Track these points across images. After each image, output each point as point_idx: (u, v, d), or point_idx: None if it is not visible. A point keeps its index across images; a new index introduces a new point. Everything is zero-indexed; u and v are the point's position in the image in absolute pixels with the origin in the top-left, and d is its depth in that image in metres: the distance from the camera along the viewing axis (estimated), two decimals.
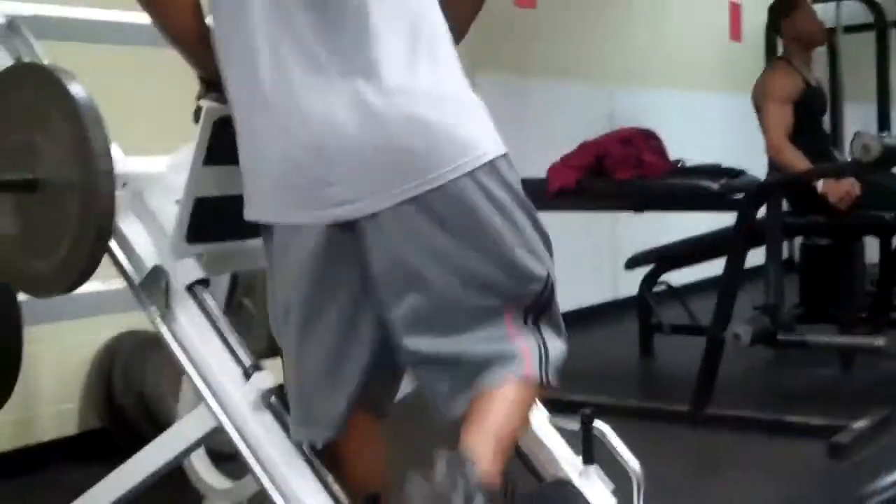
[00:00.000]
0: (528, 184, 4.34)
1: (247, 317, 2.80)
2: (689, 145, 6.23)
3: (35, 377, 3.27)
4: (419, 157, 1.63)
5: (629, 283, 5.13)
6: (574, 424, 2.16)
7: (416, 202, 1.62)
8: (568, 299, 6.22)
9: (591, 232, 5.75)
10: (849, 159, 3.56)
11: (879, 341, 3.68)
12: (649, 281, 4.89)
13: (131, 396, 3.39)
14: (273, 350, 2.77)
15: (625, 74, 6.59)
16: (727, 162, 5.15)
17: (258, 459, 1.81)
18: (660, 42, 7.05)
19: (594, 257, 5.98)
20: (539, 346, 1.72)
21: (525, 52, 5.80)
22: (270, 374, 1.87)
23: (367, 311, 1.70)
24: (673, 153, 4.29)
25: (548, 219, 5.14)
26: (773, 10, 4.99)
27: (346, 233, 1.66)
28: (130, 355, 3.43)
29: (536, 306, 1.74)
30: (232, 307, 2.79)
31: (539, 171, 4.09)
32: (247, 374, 1.86)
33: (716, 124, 7.12)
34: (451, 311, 1.66)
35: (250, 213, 1.78)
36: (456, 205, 1.64)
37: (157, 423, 3.20)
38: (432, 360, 1.69)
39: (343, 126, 1.64)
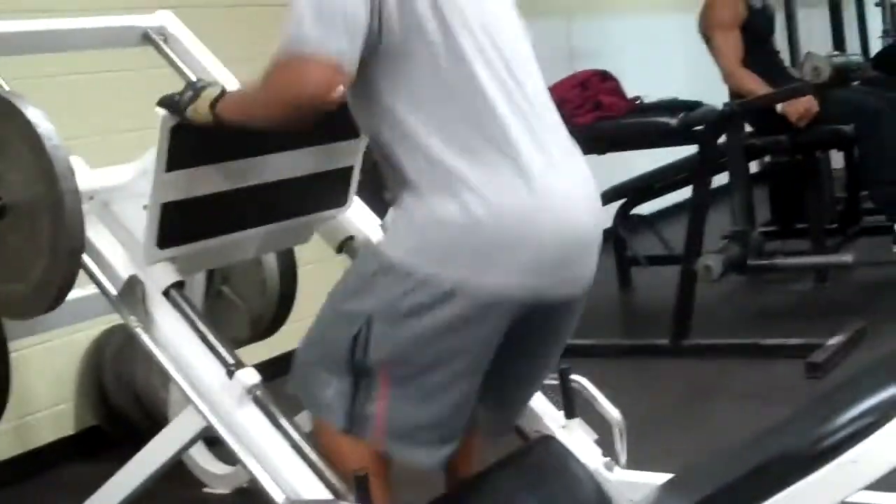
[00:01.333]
0: None
1: (226, 304, 2.85)
2: (648, 71, 6.28)
3: (27, 382, 3.30)
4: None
5: (607, 217, 5.17)
6: (553, 380, 2.25)
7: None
8: None
9: None
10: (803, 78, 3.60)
11: (847, 257, 3.76)
12: (622, 215, 4.94)
13: (123, 391, 3.43)
14: (254, 336, 2.84)
15: (579, 5, 6.58)
16: (688, 85, 5.20)
17: (250, 452, 1.87)
18: None
19: None
20: None
21: None
22: (252, 370, 1.92)
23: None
24: (632, 81, 4.32)
25: None
26: None
27: (541, 306, 1.84)
28: (119, 350, 3.46)
29: None
30: (211, 295, 2.85)
31: None
32: (230, 373, 1.91)
33: (675, 44, 7.12)
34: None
35: (488, 279, 1.76)
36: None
37: (151, 415, 3.25)
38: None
39: (587, 210, 1.86)
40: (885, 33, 8.13)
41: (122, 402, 3.46)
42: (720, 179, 4.12)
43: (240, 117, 1.86)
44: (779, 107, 4.25)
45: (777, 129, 4.42)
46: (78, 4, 2.98)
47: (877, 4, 8.41)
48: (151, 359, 1.97)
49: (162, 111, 1.94)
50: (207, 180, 2.04)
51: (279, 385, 1.98)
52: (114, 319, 3.43)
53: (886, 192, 4.33)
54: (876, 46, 7.89)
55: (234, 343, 2.70)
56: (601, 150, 4.22)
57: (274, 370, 2.12)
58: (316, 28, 1.69)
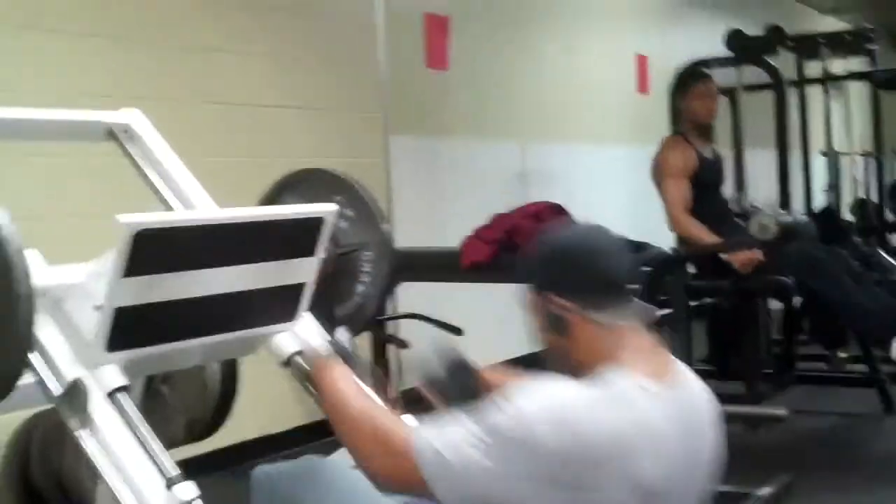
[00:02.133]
0: (444, 256, 4.49)
1: (164, 404, 2.83)
2: (597, 198, 6.42)
3: None
4: None
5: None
6: None
7: None
8: (489, 356, 6.34)
9: (511, 293, 5.83)
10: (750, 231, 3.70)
11: (781, 411, 3.81)
12: None
13: (48, 479, 3.36)
14: (191, 437, 2.82)
15: (536, 130, 6.74)
16: (634, 215, 5.31)
17: None
18: (569, 96, 7.22)
19: (514, 316, 6.03)
20: None
21: (439, 113, 5.91)
22: (192, 485, 1.90)
23: None
24: (582, 207, 4.40)
25: (469, 286, 5.23)
26: (675, 82, 5.23)
27: None
28: (48, 436, 3.40)
29: None
30: (149, 394, 2.82)
31: (457, 232, 4.19)
32: (169, 485, 1.90)
33: (623, 175, 7.29)
34: None
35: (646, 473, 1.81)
36: None
37: None
38: None
39: None
40: (830, 187, 8.36)
41: (47, 490, 3.39)
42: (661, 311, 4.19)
43: (331, 413, 2.10)
44: (724, 255, 4.37)
45: (719, 273, 4.53)
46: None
47: (822, 153, 8.67)
48: (84, 457, 1.95)
49: (125, 217, 1.95)
50: (162, 288, 2.05)
51: (204, 485, 1.97)
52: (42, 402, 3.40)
53: (868, 327, 4.45)
54: (819, 199, 8.12)
55: (169, 444, 2.70)
56: None
57: (198, 468, 2.12)
58: (436, 458, 1.85)
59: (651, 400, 1.80)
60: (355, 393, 2.12)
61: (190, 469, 2.15)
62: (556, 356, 1.98)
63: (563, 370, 1.92)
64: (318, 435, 2.47)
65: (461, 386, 2.36)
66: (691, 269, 4.67)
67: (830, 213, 6.61)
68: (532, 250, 2.03)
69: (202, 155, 2.86)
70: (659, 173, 4.82)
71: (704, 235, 4.46)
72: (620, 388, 1.80)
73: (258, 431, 4.51)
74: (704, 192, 4.76)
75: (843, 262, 4.61)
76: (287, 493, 2.32)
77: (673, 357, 1.96)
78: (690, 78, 5.08)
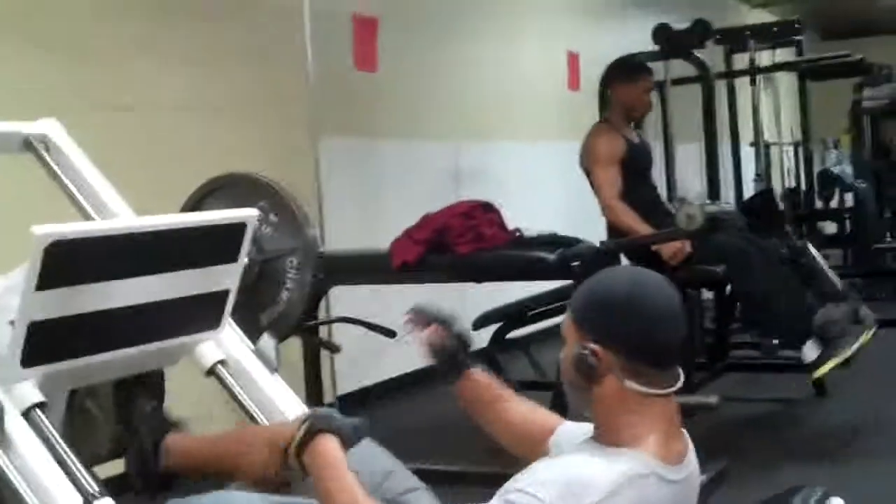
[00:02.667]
0: (373, 258, 4.45)
1: (89, 419, 2.78)
2: (531, 196, 6.44)
3: None
4: None
5: (482, 340, 5.23)
6: None
7: None
8: (422, 358, 6.24)
9: (444, 293, 5.82)
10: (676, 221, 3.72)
11: (713, 399, 3.85)
12: (497, 339, 4.99)
13: None
14: (116, 452, 2.77)
15: (467, 130, 6.74)
16: (567, 212, 5.33)
17: None
18: (500, 95, 7.23)
19: None
20: None
21: (369, 115, 5.89)
22: (111, 501, 1.87)
23: None
24: (515, 206, 4.42)
25: (397, 287, 5.24)
26: (606, 73, 5.26)
27: None
28: None
29: None
30: (74, 410, 2.78)
31: (390, 234, 4.17)
32: (87, 503, 1.86)
33: (556, 171, 7.31)
34: None
35: None
36: None
37: None
38: None
39: None
40: (758, 177, 8.48)
41: None
42: None
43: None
44: (654, 245, 4.40)
45: (651, 264, 4.55)
46: None
47: (751, 145, 8.79)
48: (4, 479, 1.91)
49: (38, 228, 1.91)
50: (78, 300, 2.01)
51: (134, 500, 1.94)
52: None
53: (782, 327, 4.48)
54: (749, 189, 8.23)
55: (94, 459, 2.65)
56: (479, 280, 4.31)
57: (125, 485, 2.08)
58: None
59: (666, 489, 1.71)
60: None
61: (119, 485, 2.12)
62: (575, 395, 1.81)
63: (579, 406, 1.80)
64: None
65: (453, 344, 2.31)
66: (624, 261, 4.71)
67: (766, 197, 6.67)
68: (594, 284, 1.82)
69: (122, 164, 2.80)
70: (588, 160, 4.85)
71: (636, 224, 4.50)
72: (638, 476, 1.68)
73: None
74: (634, 179, 4.80)
75: (771, 254, 4.66)
76: None
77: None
78: (635, 70, 5.10)
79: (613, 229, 4.76)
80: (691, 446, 1.83)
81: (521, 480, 1.68)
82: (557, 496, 1.61)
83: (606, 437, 1.75)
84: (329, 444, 1.93)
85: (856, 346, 4.24)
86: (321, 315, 4.46)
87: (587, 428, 1.83)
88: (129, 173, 2.75)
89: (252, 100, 4.99)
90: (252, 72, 5.00)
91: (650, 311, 1.73)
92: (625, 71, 5.14)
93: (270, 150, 4.75)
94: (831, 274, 4.88)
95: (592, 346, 1.72)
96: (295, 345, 4.22)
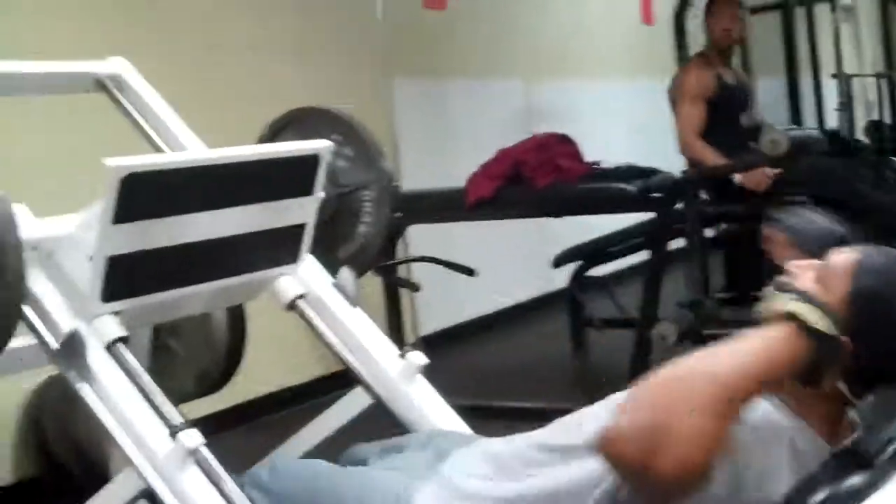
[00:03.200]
0: (448, 196, 4.41)
1: (172, 358, 2.79)
2: (605, 133, 6.33)
3: None
4: None
5: (563, 278, 5.17)
6: None
7: None
8: (503, 296, 6.28)
9: (522, 230, 5.79)
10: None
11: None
12: (578, 277, 4.92)
13: (64, 443, 3.34)
14: (200, 391, 2.78)
15: (539, 67, 6.63)
16: (642, 149, 5.22)
17: None
18: (571, 31, 7.10)
19: (526, 255, 6.02)
20: None
21: (439, 54, 5.81)
22: (196, 432, 1.86)
23: None
24: (591, 145, 4.33)
25: (475, 224, 5.18)
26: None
27: None
28: (61, 400, 3.37)
29: None
30: (157, 348, 2.79)
31: (464, 172, 4.12)
32: (173, 433, 1.85)
33: (631, 109, 7.19)
34: None
35: None
36: None
37: (93, 469, 3.16)
38: None
39: None
40: (842, 105, 8.26)
41: (63, 454, 3.36)
42: (677, 243, 4.12)
43: None
44: (737, 178, 4.27)
45: (733, 199, 4.44)
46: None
47: (833, 76, 8.55)
48: (92, 414, 1.91)
49: (112, 161, 1.89)
50: (155, 234, 2.00)
51: (224, 439, 1.93)
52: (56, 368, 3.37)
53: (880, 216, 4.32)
54: (832, 118, 8.01)
55: (180, 397, 2.66)
56: (558, 213, 4.24)
57: (219, 424, 2.07)
58: None
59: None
60: None
61: (210, 424, 2.12)
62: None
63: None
64: (337, 386, 2.42)
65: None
66: (705, 196, 4.60)
67: (840, 134, 6.49)
68: (886, 280, 1.56)
69: (194, 105, 2.78)
70: (676, 94, 4.71)
71: (714, 159, 4.37)
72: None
73: (277, 385, 4.48)
74: (722, 120, 4.63)
75: (855, 170, 4.50)
76: None
77: None
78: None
79: (692, 166, 4.63)
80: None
81: None
82: None
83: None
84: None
85: None
86: (399, 255, 4.43)
87: None
88: (201, 114, 2.72)
89: (322, 41, 4.94)
90: (322, 12, 4.95)
91: None
92: (708, 1, 4.96)
93: (343, 92, 4.70)
94: None
95: (844, 337, 1.49)
96: (375, 285, 4.21)
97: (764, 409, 1.56)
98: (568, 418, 1.79)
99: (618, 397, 1.69)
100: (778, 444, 1.55)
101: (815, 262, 1.62)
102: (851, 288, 1.55)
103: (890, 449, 1.54)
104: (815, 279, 1.58)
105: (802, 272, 1.60)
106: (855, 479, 1.50)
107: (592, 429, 1.54)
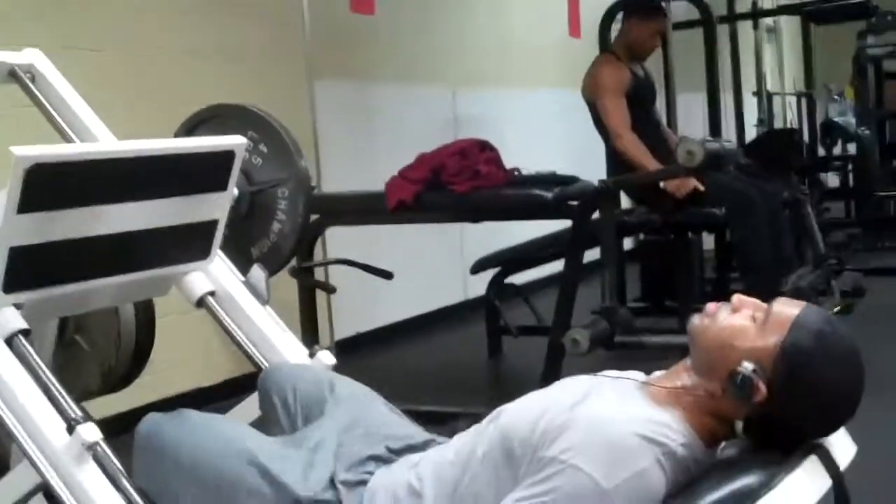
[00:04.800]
0: (369, 199, 4.42)
1: (78, 353, 2.74)
2: (527, 142, 6.37)
3: None
4: None
5: (480, 284, 5.20)
6: None
7: None
8: (421, 301, 6.29)
9: (440, 235, 5.80)
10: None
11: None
12: (495, 284, 4.95)
13: None
14: (105, 388, 2.74)
15: (465, 75, 6.65)
16: (565, 157, 5.27)
17: None
18: (500, 40, 7.13)
19: (444, 260, 6.03)
20: None
21: (365, 58, 5.80)
22: (94, 426, 1.83)
23: None
24: (512, 153, 4.36)
25: (394, 229, 5.20)
26: (625, 5, 5.16)
27: None
28: None
29: None
30: (62, 343, 2.74)
31: (386, 178, 4.12)
32: (70, 427, 1.82)
33: (555, 119, 7.24)
34: None
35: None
36: None
37: None
38: None
39: None
40: (760, 122, 8.42)
41: None
42: (595, 253, 4.16)
43: None
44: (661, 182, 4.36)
45: (654, 200, 4.50)
46: None
47: (753, 94, 8.71)
48: None
49: (18, 149, 1.86)
50: (61, 226, 1.96)
51: (128, 441, 1.90)
52: None
53: (755, 278, 4.42)
54: (752, 134, 8.16)
55: (84, 395, 2.62)
56: (476, 219, 4.26)
57: (124, 424, 2.01)
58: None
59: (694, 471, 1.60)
60: None
61: (120, 424, 2.08)
62: (700, 365, 1.66)
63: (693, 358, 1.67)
64: (249, 387, 2.40)
65: None
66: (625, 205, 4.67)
67: (783, 133, 6.58)
68: (822, 341, 1.59)
69: (110, 104, 2.74)
70: (593, 91, 4.77)
71: (645, 157, 4.44)
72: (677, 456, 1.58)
73: (189, 385, 4.43)
74: (638, 114, 4.72)
75: (773, 199, 4.60)
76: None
77: None
78: (653, 10, 5.04)
79: (618, 163, 4.68)
80: None
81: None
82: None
83: (668, 400, 1.64)
84: None
85: None
86: (317, 257, 4.41)
87: None
88: (118, 114, 2.69)
89: (249, 42, 4.91)
90: (247, 15, 4.92)
91: (822, 430, 1.63)
92: (643, 8, 5.04)
93: (265, 93, 4.66)
94: (818, 237, 4.85)
95: (763, 385, 1.57)
96: (291, 287, 4.19)
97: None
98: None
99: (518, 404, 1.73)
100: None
101: (759, 301, 1.66)
102: (785, 340, 1.59)
103: None
104: (752, 319, 1.62)
105: (743, 308, 1.65)
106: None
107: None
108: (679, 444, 1.58)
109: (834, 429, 1.65)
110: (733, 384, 1.57)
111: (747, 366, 1.57)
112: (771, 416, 1.60)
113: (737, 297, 1.68)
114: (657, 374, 1.77)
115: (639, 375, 1.76)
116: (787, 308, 1.62)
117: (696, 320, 1.69)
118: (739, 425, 1.61)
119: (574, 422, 1.57)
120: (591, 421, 1.57)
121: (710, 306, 1.69)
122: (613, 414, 1.59)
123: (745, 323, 1.62)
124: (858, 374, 1.63)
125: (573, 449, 1.53)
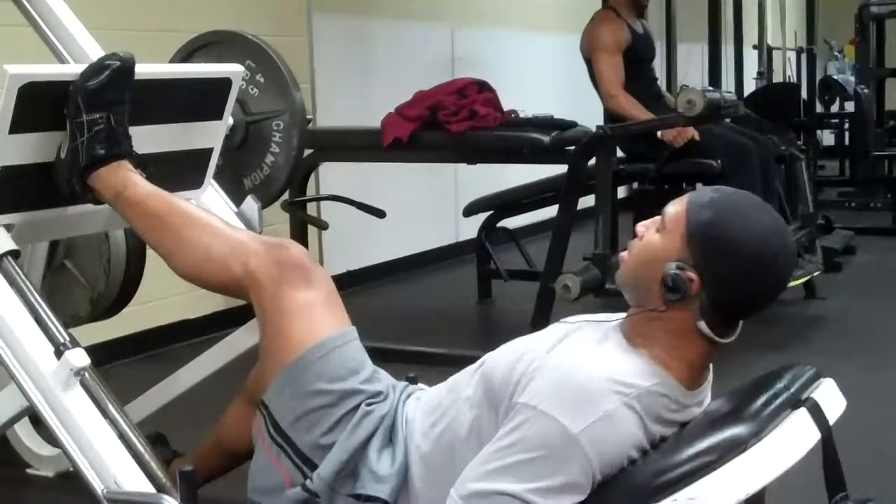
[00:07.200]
0: (364, 135, 4.37)
1: (67, 278, 2.72)
2: (526, 86, 6.32)
3: None
4: None
5: (472, 227, 5.18)
6: None
7: None
8: (411, 243, 6.28)
9: (434, 177, 5.76)
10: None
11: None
12: (487, 228, 4.93)
13: None
14: (94, 315, 2.72)
15: (465, 14, 6.58)
16: (563, 104, 5.22)
17: (72, 438, 1.77)
18: None
19: (437, 202, 6.00)
20: None
21: None
22: (82, 352, 1.81)
23: None
24: (510, 95, 4.32)
25: (388, 167, 5.17)
26: None
27: None
28: None
29: None
30: (52, 268, 2.72)
31: (383, 114, 4.07)
32: (59, 352, 1.80)
33: (555, 64, 7.18)
34: None
35: None
36: None
37: None
38: None
39: None
40: (760, 75, 8.37)
41: None
42: (588, 201, 4.14)
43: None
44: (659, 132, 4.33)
45: (648, 156, 4.47)
46: None
47: (754, 47, 8.65)
48: None
49: (12, 67, 1.83)
50: (52, 147, 1.94)
51: (117, 369, 1.89)
52: None
53: None
54: (750, 87, 8.11)
55: (74, 321, 2.60)
56: (472, 160, 4.22)
57: (113, 352, 2.03)
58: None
59: (677, 414, 1.64)
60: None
61: (105, 352, 2.07)
62: (634, 293, 1.69)
63: (632, 301, 1.70)
64: (237, 321, 2.39)
65: None
66: (619, 154, 4.63)
67: (786, 87, 6.52)
68: (734, 214, 1.63)
69: (108, 27, 2.70)
70: (590, 48, 4.71)
71: (639, 112, 4.40)
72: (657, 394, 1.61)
73: (176, 316, 4.41)
74: (636, 70, 4.66)
75: (768, 151, 4.57)
76: None
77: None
78: None
79: (614, 119, 4.64)
80: (711, 375, 1.74)
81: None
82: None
83: (639, 341, 1.66)
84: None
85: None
86: (310, 193, 4.38)
87: None
88: (114, 37, 2.64)
89: None
90: None
91: (769, 282, 1.65)
92: None
93: (263, 25, 4.60)
94: (809, 194, 4.83)
95: (691, 273, 1.60)
96: (284, 221, 4.17)
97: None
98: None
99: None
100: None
101: (656, 217, 1.69)
102: (686, 226, 1.62)
103: None
104: (656, 231, 1.66)
105: (647, 229, 1.69)
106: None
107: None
108: (652, 384, 1.60)
109: (781, 276, 1.67)
110: (668, 289, 1.62)
111: (670, 265, 1.62)
112: (718, 301, 1.63)
113: (637, 226, 1.72)
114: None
115: (619, 317, 1.76)
116: (677, 203, 1.67)
117: (617, 272, 1.75)
118: (703, 325, 1.62)
119: (545, 367, 1.61)
120: (560, 366, 1.61)
121: (621, 254, 1.74)
122: (582, 358, 1.62)
123: (650, 238, 1.67)
124: (763, 210, 1.67)
125: (541, 394, 1.56)
